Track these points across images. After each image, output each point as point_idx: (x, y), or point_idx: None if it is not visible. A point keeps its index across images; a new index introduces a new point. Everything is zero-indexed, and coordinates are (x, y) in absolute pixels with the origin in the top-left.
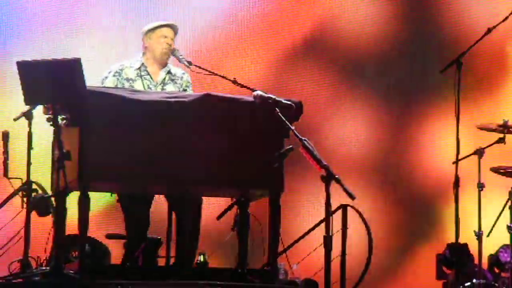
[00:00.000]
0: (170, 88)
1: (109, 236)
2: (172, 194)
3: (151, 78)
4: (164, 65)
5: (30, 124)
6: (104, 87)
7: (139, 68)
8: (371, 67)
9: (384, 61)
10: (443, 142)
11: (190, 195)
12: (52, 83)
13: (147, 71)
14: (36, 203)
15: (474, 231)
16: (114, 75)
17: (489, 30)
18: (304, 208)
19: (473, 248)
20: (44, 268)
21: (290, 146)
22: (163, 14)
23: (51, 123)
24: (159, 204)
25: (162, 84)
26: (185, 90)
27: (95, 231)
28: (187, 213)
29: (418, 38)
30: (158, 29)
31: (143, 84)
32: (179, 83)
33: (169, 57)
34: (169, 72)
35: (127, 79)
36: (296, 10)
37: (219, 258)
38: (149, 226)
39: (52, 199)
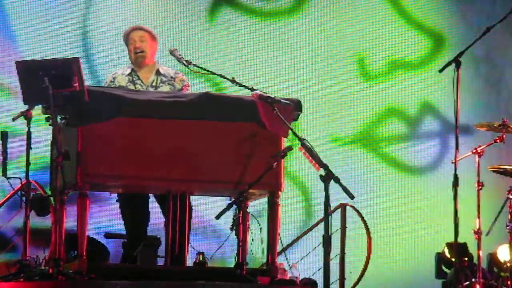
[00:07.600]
0: (164, 90)
1: (108, 236)
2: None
3: (142, 82)
4: (142, 66)
5: (29, 124)
6: (102, 86)
7: (130, 74)
8: None
9: None
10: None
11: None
12: (51, 83)
13: (137, 75)
14: (35, 203)
15: (473, 230)
16: (109, 86)
17: (488, 29)
18: (303, 208)
19: (472, 247)
20: (43, 268)
21: (289, 145)
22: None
23: (50, 122)
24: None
25: (154, 87)
26: (180, 90)
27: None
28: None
29: None
30: (127, 35)
31: (135, 88)
32: (171, 84)
33: (142, 59)
34: (157, 73)
35: (120, 87)
36: None
37: (218, 258)
38: (149, 221)
39: (51, 198)
